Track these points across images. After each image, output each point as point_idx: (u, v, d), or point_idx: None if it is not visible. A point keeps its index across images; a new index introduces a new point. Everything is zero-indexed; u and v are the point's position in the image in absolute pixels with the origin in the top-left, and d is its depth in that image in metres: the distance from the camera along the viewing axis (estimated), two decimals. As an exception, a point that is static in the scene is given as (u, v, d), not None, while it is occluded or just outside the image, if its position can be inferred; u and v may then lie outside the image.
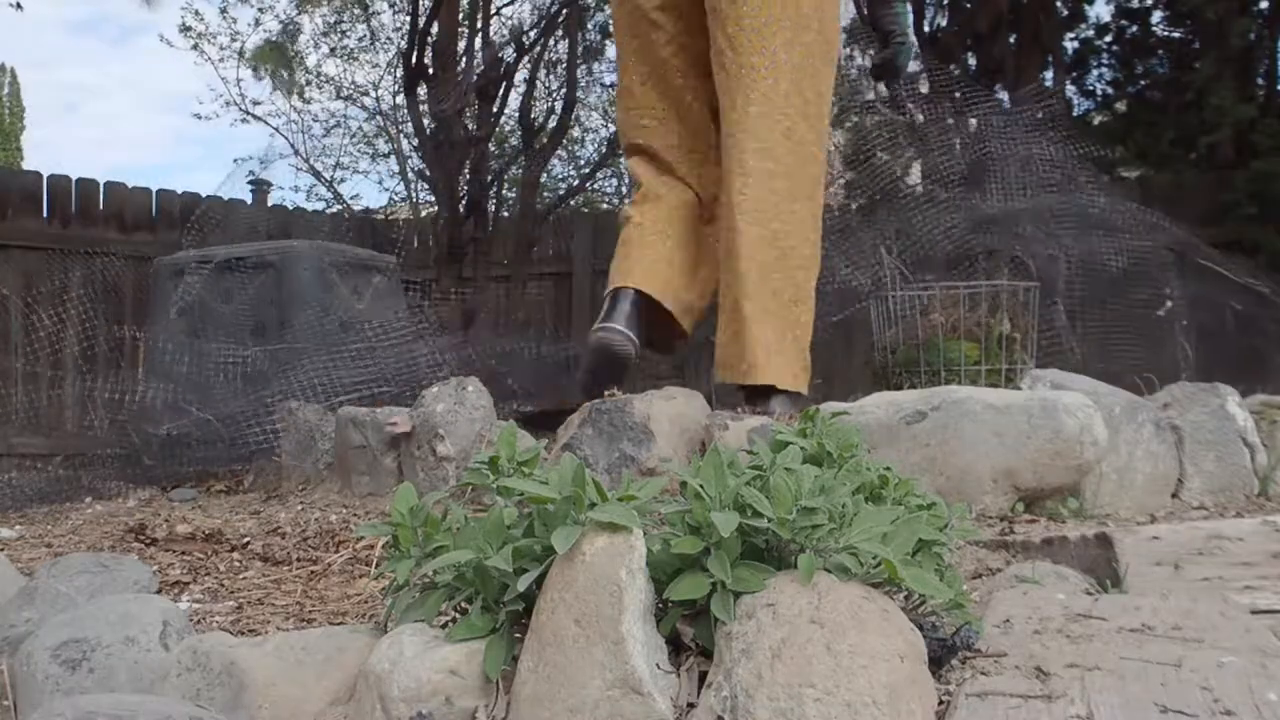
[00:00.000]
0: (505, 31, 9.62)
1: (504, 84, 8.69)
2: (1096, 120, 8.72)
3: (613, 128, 11.33)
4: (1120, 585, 1.84)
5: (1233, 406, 2.67)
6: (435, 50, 8.13)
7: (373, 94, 12.40)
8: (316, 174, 12.53)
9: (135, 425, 4.30)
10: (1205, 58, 7.11)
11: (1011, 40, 7.96)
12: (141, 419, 4.34)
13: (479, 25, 8.67)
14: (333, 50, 11.65)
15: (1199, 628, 1.48)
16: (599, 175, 10.83)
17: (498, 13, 9.68)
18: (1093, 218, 4.21)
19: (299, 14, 10.45)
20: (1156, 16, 8.35)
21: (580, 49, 9.23)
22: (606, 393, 3.06)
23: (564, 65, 9.20)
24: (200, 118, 13.92)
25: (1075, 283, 4.09)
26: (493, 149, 9.81)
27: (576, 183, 10.24)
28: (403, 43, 9.73)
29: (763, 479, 1.42)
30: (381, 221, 9.09)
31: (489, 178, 7.89)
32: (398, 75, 10.90)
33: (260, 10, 10.85)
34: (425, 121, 8.38)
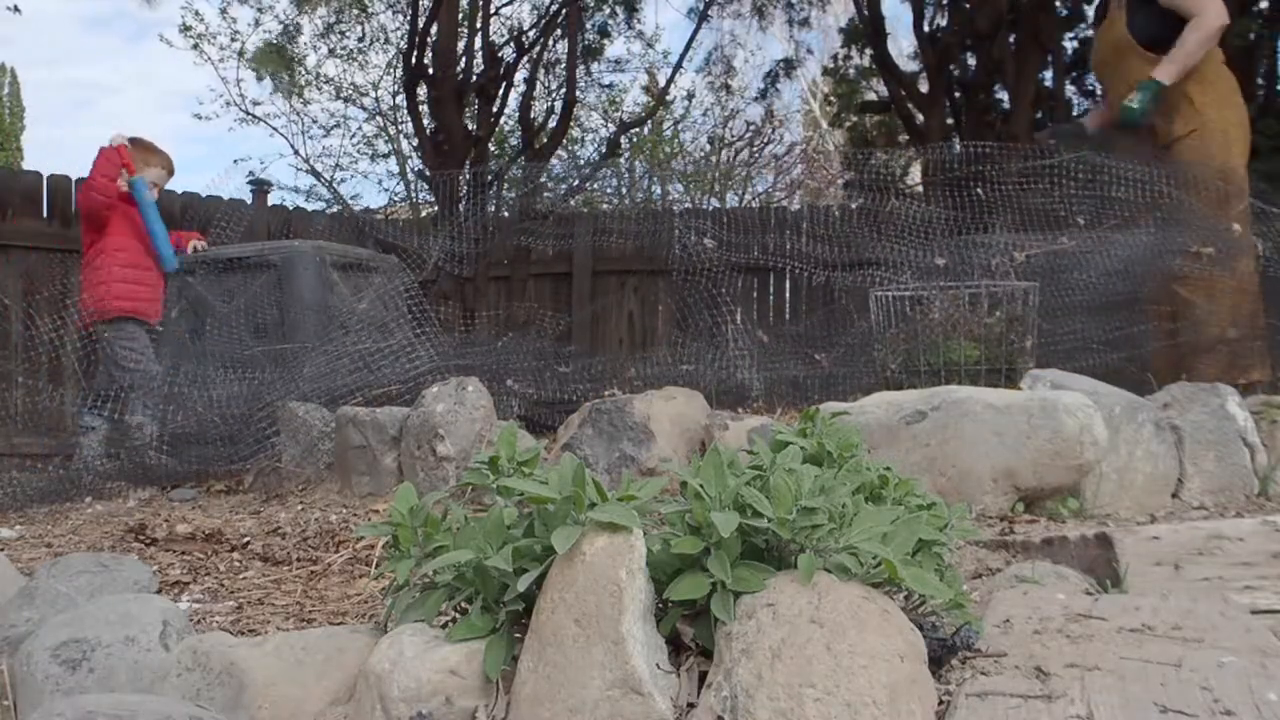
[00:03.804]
0: (505, 32, 9.63)
1: (504, 84, 8.68)
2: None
3: (613, 127, 11.34)
4: (1120, 585, 1.84)
5: (1233, 406, 2.67)
6: (435, 51, 8.12)
7: (372, 94, 12.41)
8: (316, 174, 12.53)
9: (136, 424, 4.29)
10: (1205, 58, 7.10)
11: (1011, 40, 7.96)
12: (142, 418, 4.33)
13: (478, 25, 8.66)
14: (331, 51, 11.65)
15: (1199, 628, 1.48)
16: (599, 175, 10.83)
17: (497, 13, 9.68)
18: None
19: (299, 14, 10.43)
20: (1157, 16, 8.34)
21: (580, 49, 9.22)
22: (606, 393, 3.08)
23: (564, 65, 9.19)
24: (200, 118, 13.91)
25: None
26: (493, 149, 9.80)
27: (576, 183, 10.24)
28: (402, 43, 9.72)
29: (763, 479, 1.42)
30: (381, 221, 9.08)
31: (489, 177, 7.88)
32: (397, 76, 10.90)
33: (260, 10, 10.85)
34: (425, 122, 8.37)
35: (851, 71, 10.18)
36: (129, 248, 4.64)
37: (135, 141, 4.76)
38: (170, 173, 4.91)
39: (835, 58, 10.30)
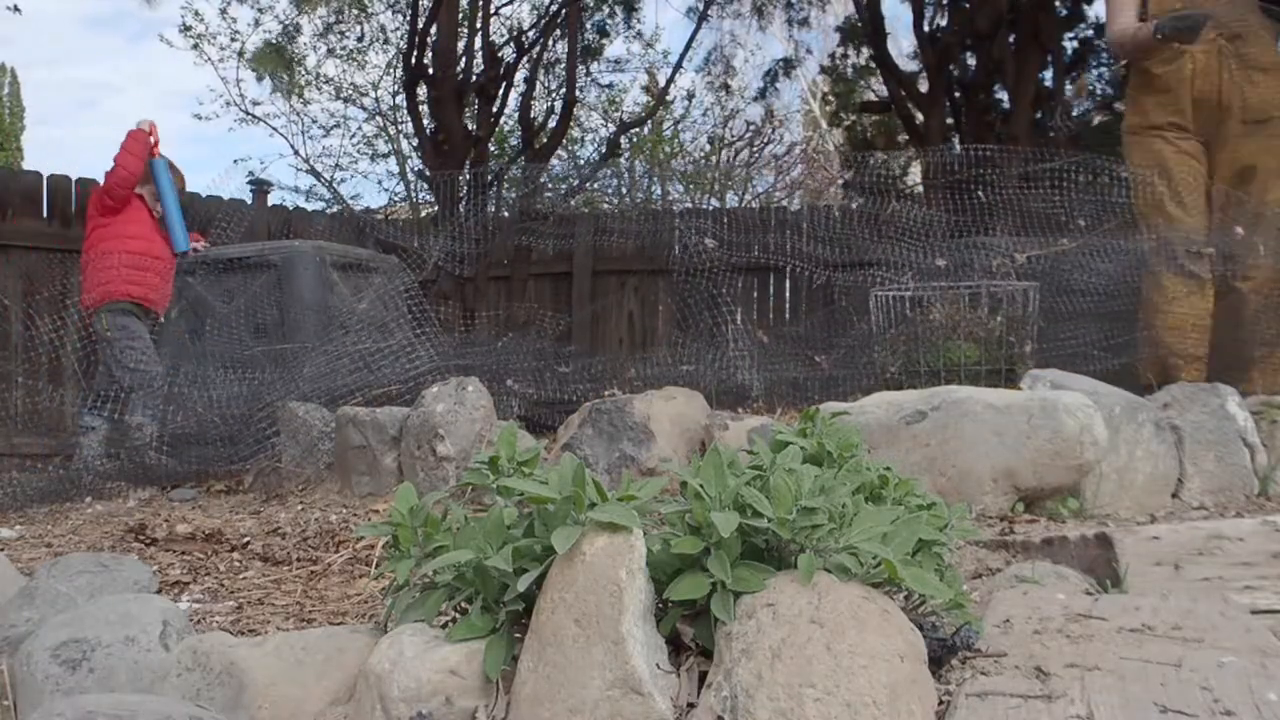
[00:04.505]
0: (505, 32, 9.62)
1: (504, 84, 8.68)
2: (1096, 120, 8.71)
3: (612, 127, 11.34)
4: (1120, 585, 1.84)
5: (1233, 406, 2.67)
6: (435, 51, 8.13)
7: (372, 94, 12.41)
8: (316, 174, 12.53)
9: (136, 424, 4.29)
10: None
11: (1011, 40, 7.96)
12: (142, 418, 4.33)
13: (478, 25, 8.66)
14: (330, 50, 11.64)
15: (1199, 628, 1.49)
16: (599, 175, 10.84)
17: (497, 13, 9.67)
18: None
19: (298, 14, 10.42)
20: (1157, 16, 8.33)
21: (580, 49, 9.22)
22: (606, 393, 3.08)
23: (564, 65, 9.19)
24: (200, 118, 13.89)
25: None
26: (493, 149, 9.80)
27: (576, 183, 10.23)
28: (402, 43, 9.72)
29: (763, 479, 1.42)
30: (381, 222, 9.08)
31: (489, 178, 7.88)
32: (397, 76, 10.90)
33: (260, 11, 10.84)
34: (425, 122, 8.37)
35: (849, 70, 10.17)
36: (141, 235, 4.61)
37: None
38: (181, 187, 4.88)
39: (833, 56, 10.28)
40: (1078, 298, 4.04)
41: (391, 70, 11.67)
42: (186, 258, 4.83)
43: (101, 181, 4.69)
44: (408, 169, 12.43)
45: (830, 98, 11.36)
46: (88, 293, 4.57)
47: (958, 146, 8.23)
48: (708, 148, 13.70)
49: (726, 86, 11.40)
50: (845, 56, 10.07)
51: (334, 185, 12.49)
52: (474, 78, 8.37)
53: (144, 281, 4.57)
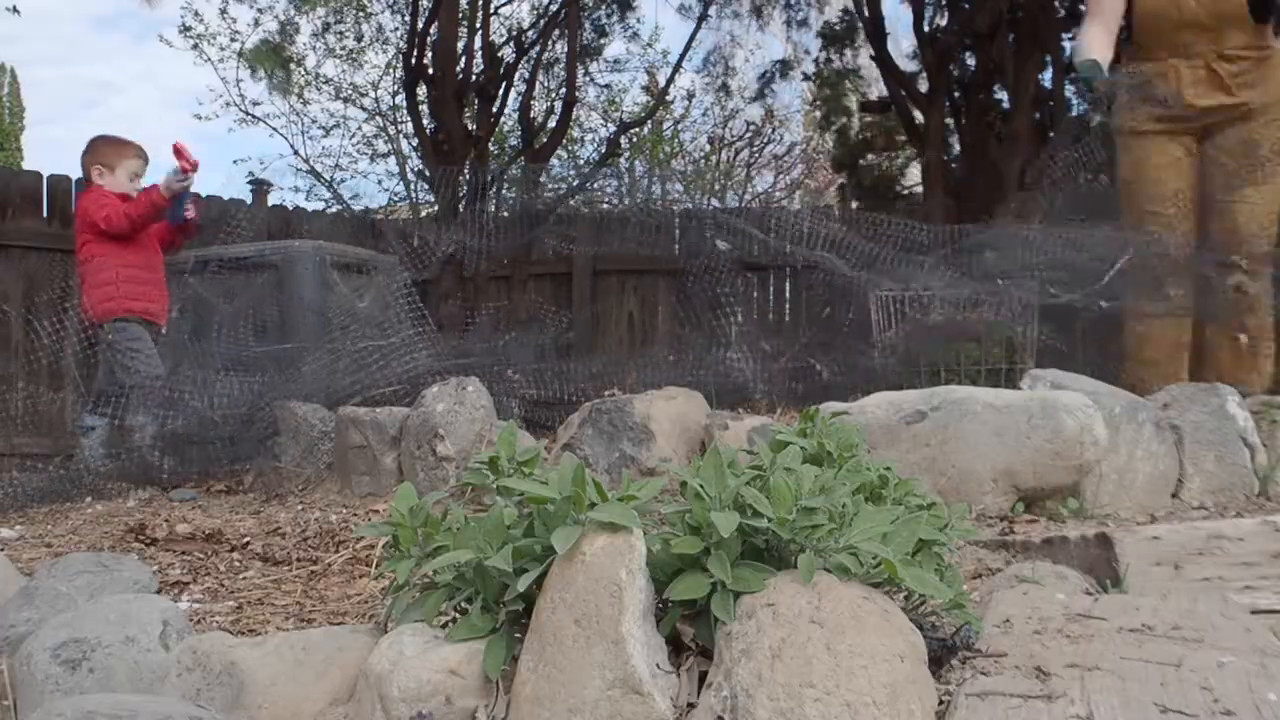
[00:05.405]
0: (505, 32, 9.62)
1: (504, 84, 8.68)
2: (1095, 121, 8.70)
3: (612, 127, 11.34)
4: (1120, 585, 1.84)
5: (1233, 406, 2.67)
6: (435, 51, 8.12)
7: (372, 94, 12.41)
8: (316, 174, 12.53)
9: (137, 424, 4.29)
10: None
11: (1011, 40, 7.96)
12: (143, 418, 4.33)
13: (478, 25, 8.66)
14: (330, 50, 11.64)
15: (1199, 628, 1.49)
16: (599, 175, 10.83)
17: (496, 12, 9.68)
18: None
19: (297, 15, 10.42)
20: (1156, 16, 8.32)
21: (579, 49, 9.22)
22: (606, 392, 3.07)
23: (563, 65, 9.19)
24: (200, 118, 13.88)
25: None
26: (493, 149, 9.80)
27: (576, 183, 10.23)
28: (402, 43, 9.72)
29: (763, 479, 1.42)
30: (381, 221, 9.08)
31: (489, 177, 7.89)
32: (397, 76, 10.90)
33: (259, 11, 10.83)
34: (425, 122, 8.37)
35: (833, 76, 10.09)
36: (140, 246, 4.56)
37: (104, 139, 4.62)
38: (145, 161, 4.72)
39: (817, 62, 10.20)
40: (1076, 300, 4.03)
41: (391, 70, 11.67)
42: (188, 227, 4.69)
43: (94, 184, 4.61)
44: (408, 169, 12.43)
45: (819, 103, 11.31)
46: (87, 304, 4.50)
47: (957, 147, 8.24)
48: (708, 148, 13.70)
49: (726, 87, 11.39)
50: (829, 61, 10.00)
51: (334, 185, 12.49)
52: (474, 78, 8.37)
53: (145, 295, 4.51)
